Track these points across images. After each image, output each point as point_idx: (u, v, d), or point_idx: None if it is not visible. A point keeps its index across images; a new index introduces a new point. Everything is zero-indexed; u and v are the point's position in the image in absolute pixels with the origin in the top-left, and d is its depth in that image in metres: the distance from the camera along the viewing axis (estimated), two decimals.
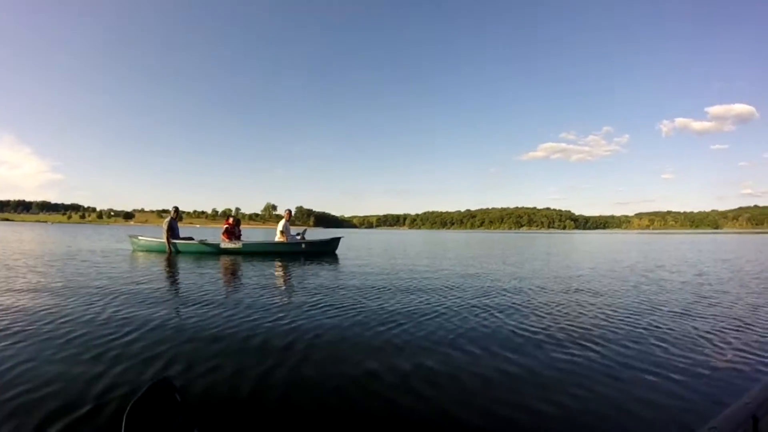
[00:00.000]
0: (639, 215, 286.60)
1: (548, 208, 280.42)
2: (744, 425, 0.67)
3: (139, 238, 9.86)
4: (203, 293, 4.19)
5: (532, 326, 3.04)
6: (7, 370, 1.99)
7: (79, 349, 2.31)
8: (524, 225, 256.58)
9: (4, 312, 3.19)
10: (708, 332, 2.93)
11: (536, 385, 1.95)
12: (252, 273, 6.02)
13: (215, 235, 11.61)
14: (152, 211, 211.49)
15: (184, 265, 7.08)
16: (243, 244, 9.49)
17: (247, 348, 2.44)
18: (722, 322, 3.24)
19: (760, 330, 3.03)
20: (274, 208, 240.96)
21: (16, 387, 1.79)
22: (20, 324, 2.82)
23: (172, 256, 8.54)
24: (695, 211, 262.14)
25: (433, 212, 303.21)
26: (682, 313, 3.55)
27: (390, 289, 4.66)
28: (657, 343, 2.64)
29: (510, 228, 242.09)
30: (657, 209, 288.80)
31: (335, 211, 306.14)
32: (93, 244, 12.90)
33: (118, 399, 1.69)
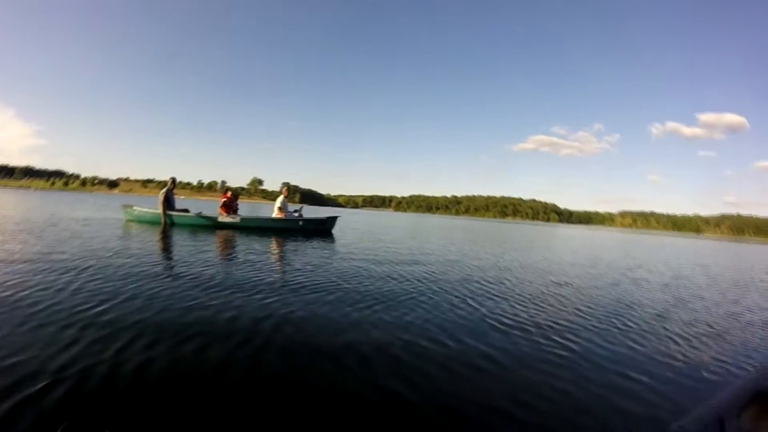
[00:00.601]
0: (623, 213, 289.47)
1: (534, 200, 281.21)
2: (711, 427, 0.69)
3: (134, 208, 9.53)
4: (188, 266, 4.11)
5: (506, 318, 3.05)
6: None
7: (44, 320, 2.23)
8: (509, 215, 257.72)
9: None
10: (681, 336, 2.99)
11: (500, 379, 1.95)
12: (244, 248, 5.94)
13: (203, 207, 11.35)
14: (137, 181, 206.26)
15: (177, 237, 6.91)
16: (241, 219, 9.37)
17: (216, 322, 2.43)
18: (696, 327, 3.31)
19: (732, 337, 3.10)
20: (261, 182, 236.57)
21: None
22: None
23: (166, 228, 8.30)
24: (678, 214, 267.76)
25: (419, 196, 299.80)
26: (657, 315, 3.61)
27: (370, 271, 4.59)
28: (630, 343, 2.68)
29: (495, 217, 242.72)
30: (640, 209, 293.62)
31: (322, 190, 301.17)
32: (76, 212, 12.53)
33: (75, 375, 1.63)
